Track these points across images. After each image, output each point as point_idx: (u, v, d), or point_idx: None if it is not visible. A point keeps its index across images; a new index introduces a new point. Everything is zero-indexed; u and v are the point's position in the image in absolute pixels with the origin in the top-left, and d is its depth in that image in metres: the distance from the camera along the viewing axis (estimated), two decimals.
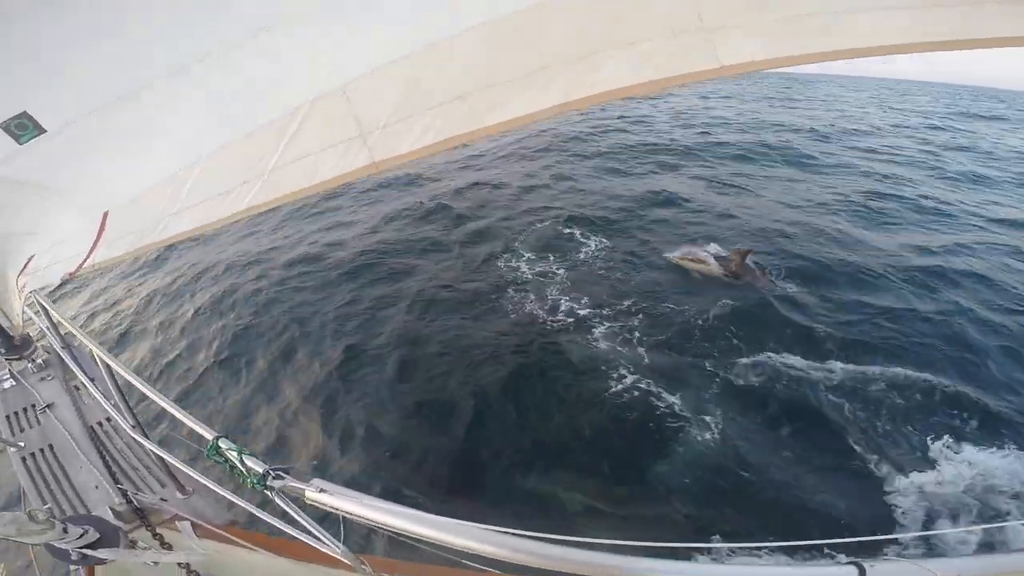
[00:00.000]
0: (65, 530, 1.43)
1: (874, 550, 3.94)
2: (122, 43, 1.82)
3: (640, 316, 7.35)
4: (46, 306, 2.63)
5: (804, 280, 8.22)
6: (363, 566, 1.56)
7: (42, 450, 2.52)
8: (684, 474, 4.80)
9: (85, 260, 2.59)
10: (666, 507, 4.52)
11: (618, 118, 27.78)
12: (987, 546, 4.09)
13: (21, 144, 1.96)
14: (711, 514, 4.47)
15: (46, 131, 1.95)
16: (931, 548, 4.11)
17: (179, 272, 10.42)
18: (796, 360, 6.19)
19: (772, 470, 4.82)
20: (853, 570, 1.16)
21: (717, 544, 4.39)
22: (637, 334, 6.90)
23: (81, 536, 1.49)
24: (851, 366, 6.09)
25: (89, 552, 1.51)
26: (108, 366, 1.96)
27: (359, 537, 1.57)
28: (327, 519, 1.43)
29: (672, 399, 5.61)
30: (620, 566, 1.13)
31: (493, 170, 16.76)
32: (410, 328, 7.42)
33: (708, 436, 5.16)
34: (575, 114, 29.24)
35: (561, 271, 9.11)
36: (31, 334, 3.37)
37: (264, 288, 9.04)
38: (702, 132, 23.18)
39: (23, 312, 3.00)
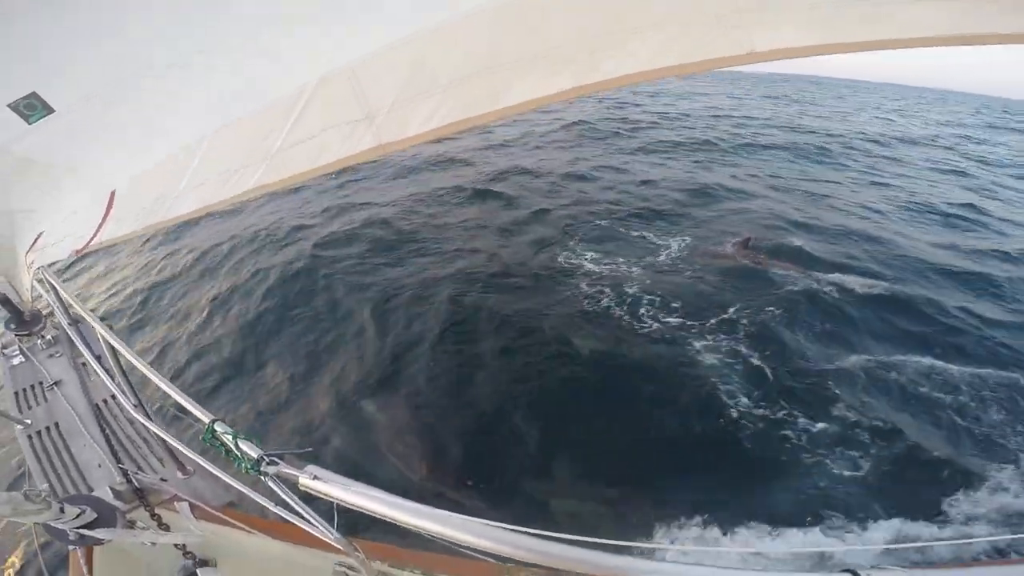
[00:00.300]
0: (62, 510, 1.42)
1: (871, 557, 3.89)
2: (127, 23, 1.80)
3: (736, 324, 6.92)
4: (54, 283, 2.64)
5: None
6: (356, 552, 1.57)
7: (48, 428, 2.55)
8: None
9: (93, 237, 2.58)
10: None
11: (655, 113, 28.16)
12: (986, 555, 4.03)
13: (30, 124, 1.98)
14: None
15: (54, 111, 1.97)
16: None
17: (202, 248, 10.39)
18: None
19: None
20: None
21: (723, 549, 4.37)
22: (743, 347, 6.40)
23: (78, 516, 1.48)
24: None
25: (87, 532, 1.50)
26: (111, 345, 1.95)
27: (353, 522, 1.54)
28: (323, 503, 1.42)
29: (802, 422, 5.28)
30: (616, 566, 1.12)
31: (529, 159, 16.77)
32: (460, 319, 7.12)
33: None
34: (606, 109, 29.45)
35: (625, 264, 8.81)
36: (41, 311, 3.40)
37: (296, 268, 8.92)
38: (739, 129, 23.42)
39: (32, 288, 3.02)
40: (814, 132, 24.50)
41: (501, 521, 1.18)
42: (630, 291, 7.89)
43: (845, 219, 11.60)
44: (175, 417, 1.92)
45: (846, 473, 4.78)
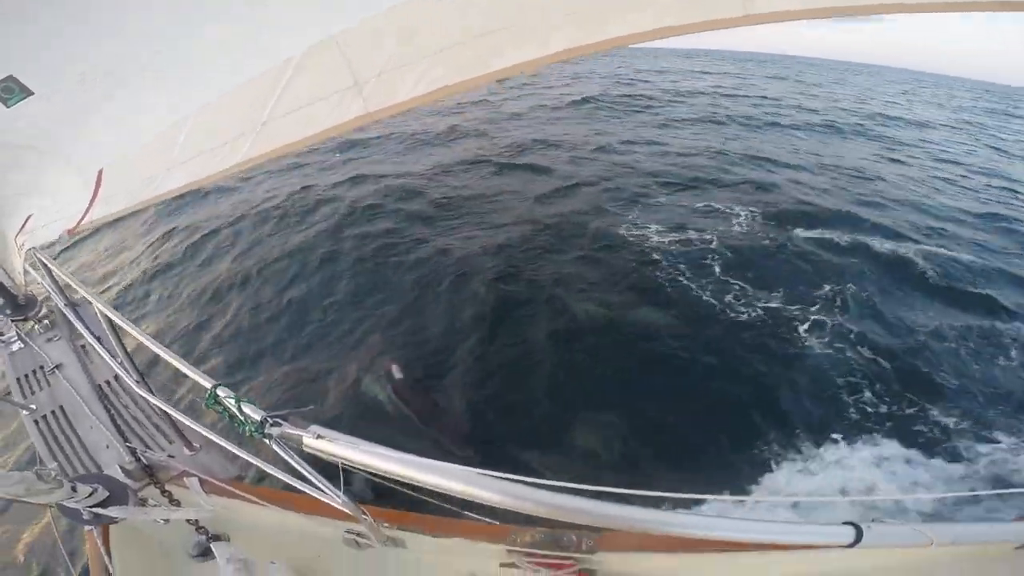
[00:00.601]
0: (74, 489, 1.43)
1: (872, 510, 4.00)
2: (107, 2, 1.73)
3: (841, 303, 6.69)
4: (47, 263, 2.61)
5: None
6: (364, 515, 1.58)
7: (53, 412, 2.57)
8: None
9: (83, 217, 2.54)
10: None
11: (666, 91, 28.14)
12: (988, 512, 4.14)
13: (8, 107, 1.93)
14: None
15: (33, 93, 1.92)
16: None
17: (219, 217, 10.31)
18: None
19: None
20: (850, 530, 1.16)
21: (724, 498, 4.47)
22: (852, 336, 6.14)
23: (90, 495, 1.49)
24: None
25: (100, 511, 1.52)
26: (110, 320, 1.94)
27: (360, 488, 1.57)
28: (330, 470, 1.42)
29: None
30: (617, 515, 1.12)
31: (547, 131, 16.45)
32: (517, 298, 6.90)
33: None
34: (613, 85, 28.98)
35: (696, 234, 8.38)
36: (35, 295, 3.37)
37: (328, 239, 8.79)
38: (758, 108, 23.44)
39: (25, 271, 2.99)
40: (834, 111, 24.79)
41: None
42: (709, 264, 7.52)
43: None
44: (179, 395, 1.91)
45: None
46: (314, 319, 6.96)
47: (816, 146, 16.64)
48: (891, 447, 4.71)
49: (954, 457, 4.64)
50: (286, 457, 1.38)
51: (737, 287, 7.09)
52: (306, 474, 1.42)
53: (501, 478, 1.14)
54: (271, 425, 1.33)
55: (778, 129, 19.07)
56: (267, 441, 1.34)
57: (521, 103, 20.65)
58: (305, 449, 1.30)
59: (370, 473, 1.24)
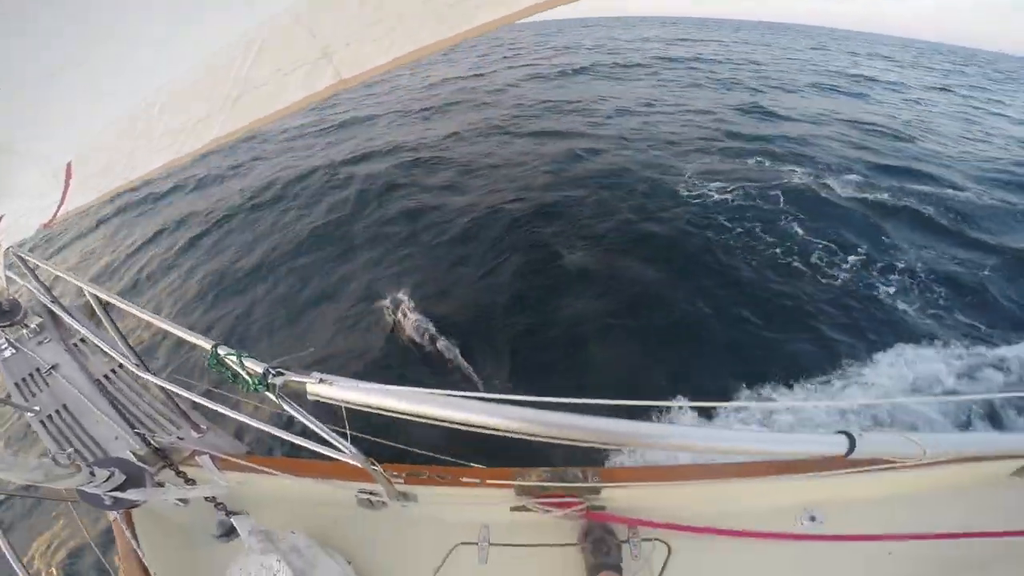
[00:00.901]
0: (92, 473, 1.46)
1: (864, 416, 4.24)
2: None
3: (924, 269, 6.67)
4: (26, 259, 2.55)
5: None
6: (374, 467, 1.62)
7: (57, 411, 2.57)
8: None
9: (58, 209, 2.48)
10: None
11: (656, 59, 28.22)
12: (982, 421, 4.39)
13: None
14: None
15: None
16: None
17: (222, 202, 10.35)
18: None
19: None
20: (843, 439, 1.18)
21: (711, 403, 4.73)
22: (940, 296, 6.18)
23: (108, 479, 1.52)
24: None
25: (120, 495, 1.54)
26: (103, 306, 1.91)
27: (365, 451, 1.61)
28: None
29: None
30: (624, 431, 1.12)
31: (557, 94, 15.86)
32: (567, 269, 6.81)
33: None
34: (600, 56, 28.08)
35: (758, 192, 8.09)
36: (18, 300, 3.31)
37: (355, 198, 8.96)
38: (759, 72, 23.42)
39: (4, 275, 2.92)
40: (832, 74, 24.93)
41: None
42: (782, 225, 7.33)
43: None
44: (176, 379, 1.89)
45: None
46: (324, 270, 7.19)
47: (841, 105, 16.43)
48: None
49: None
50: (292, 411, 1.38)
51: (810, 242, 7.15)
52: (314, 427, 1.42)
53: (515, 401, 1.12)
54: (273, 375, 1.32)
55: (788, 89, 19.15)
56: (270, 395, 1.33)
57: (514, 73, 20.01)
58: (309, 398, 1.29)
59: (376, 413, 1.21)
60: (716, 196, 7.93)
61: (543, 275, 6.71)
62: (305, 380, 1.29)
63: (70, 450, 2.21)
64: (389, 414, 1.19)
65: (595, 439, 1.11)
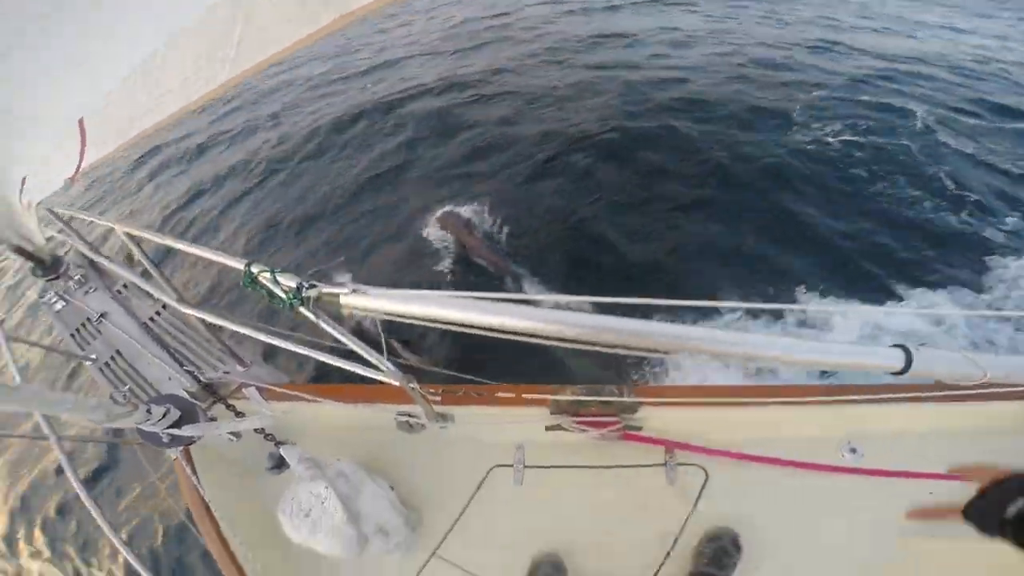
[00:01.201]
0: (149, 411, 1.53)
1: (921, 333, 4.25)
2: None
3: None
4: (59, 213, 2.61)
5: None
6: (412, 386, 1.61)
7: (113, 358, 2.71)
8: None
9: (80, 164, 2.51)
10: None
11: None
12: None
13: None
14: None
15: None
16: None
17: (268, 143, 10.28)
18: None
19: None
20: (900, 353, 1.11)
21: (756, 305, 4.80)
22: None
23: (165, 415, 1.59)
24: None
25: (176, 432, 1.62)
26: (139, 244, 1.94)
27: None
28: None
29: None
30: (669, 334, 1.06)
31: (603, 24, 13.76)
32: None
33: None
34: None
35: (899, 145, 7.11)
36: (59, 254, 3.43)
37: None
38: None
39: (41, 230, 3.02)
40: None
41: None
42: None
43: None
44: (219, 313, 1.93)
45: None
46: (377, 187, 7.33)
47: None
48: None
49: None
50: (328, 328, 1.37)
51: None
52: (352, 345, 1.41)
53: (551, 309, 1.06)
54: (307, 288, 1.30)
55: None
56: (306, 312, 1.32)
57: (541, 10, 17.42)
58: (343, 311, 1.27)
59: (412, 323, 1.16)
60: (829, 129, 7.43)
61: (647, 215, 6.23)
62: (339, 291, 1.27)
63: (126, 389, 2.38)
64: (424, 328, 1.15)
65: (638, 344, 1.04)
